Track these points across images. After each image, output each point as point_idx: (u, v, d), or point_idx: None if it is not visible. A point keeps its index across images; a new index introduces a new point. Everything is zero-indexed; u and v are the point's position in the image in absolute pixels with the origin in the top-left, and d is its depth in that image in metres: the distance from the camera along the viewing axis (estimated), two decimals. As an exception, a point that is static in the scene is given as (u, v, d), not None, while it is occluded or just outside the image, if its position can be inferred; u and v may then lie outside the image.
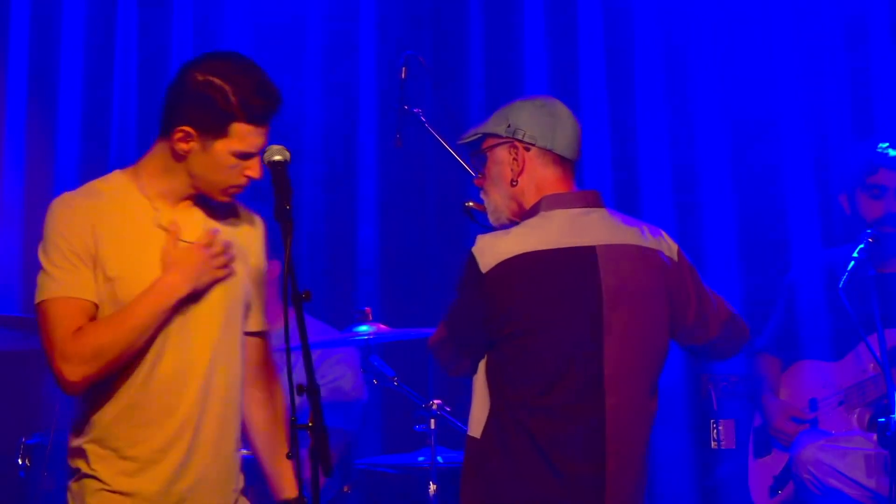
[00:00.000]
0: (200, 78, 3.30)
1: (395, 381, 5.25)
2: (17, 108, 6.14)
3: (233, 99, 3.27)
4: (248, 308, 3.50)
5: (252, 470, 3.57)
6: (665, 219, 6.01)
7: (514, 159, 3.73)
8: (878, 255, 5.14)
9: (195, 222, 3.42)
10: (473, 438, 3.65)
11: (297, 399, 3.02)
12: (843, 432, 5.31)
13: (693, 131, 6.28)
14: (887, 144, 5.39)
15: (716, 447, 5.80)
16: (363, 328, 5.22)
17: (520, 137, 3.72)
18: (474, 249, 3.61)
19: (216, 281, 3.37)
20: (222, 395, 3.40)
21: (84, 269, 3.26)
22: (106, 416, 3.31)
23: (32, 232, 5.93)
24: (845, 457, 5.16)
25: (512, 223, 3.75)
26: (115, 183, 3.40)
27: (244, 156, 3.31)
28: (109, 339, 3.23)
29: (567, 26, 6.44)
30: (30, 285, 5.81)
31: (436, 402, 5.10)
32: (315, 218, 6.36)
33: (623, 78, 6.30)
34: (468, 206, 3.91)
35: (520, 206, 3.74)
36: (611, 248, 3.66)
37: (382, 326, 5.24)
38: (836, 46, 6.22)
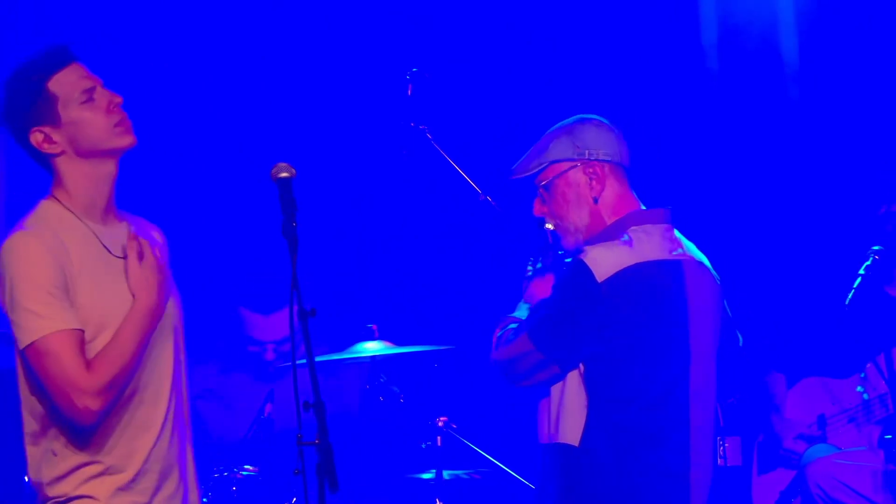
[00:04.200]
0: (11, 81, 3.33)
1: (401, 399, 5.24)
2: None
3: (30, 72, 3.30)
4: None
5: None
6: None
7: (593, 179, 3.81)
8: (888, 274, 5.13)
9: (121, 235, 3.41)
10: (569, 447, 3.68)
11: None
12: (853, 448, 5.30)
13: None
14: None
15: (722, 465, 5.79)
16: (369, 345, 5.21)
17: (595, 157, 3.81)
18: (586, 259, 3.66)
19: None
20: (184, 405, 3.45)
21: (66, 299, 3.22)
22: (98, 435, 3.29)
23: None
24: (855, 472, 5.15)
25: (586, 242, 3.80)
26: (51, 212, 3.35)
27: (86, 94, 3.31)
28: (121, 365, 3.23)
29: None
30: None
31: (442, 419, 5.09)
32: (321, 235, 6.37)
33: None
34: (549, 228, 3.91)
35: (598, 222, 3.82)
36: (690, 265, 3.79)
37: (388, 343, 5.24)
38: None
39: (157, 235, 3.54)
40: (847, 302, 4.96)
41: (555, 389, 3.73)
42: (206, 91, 6.33)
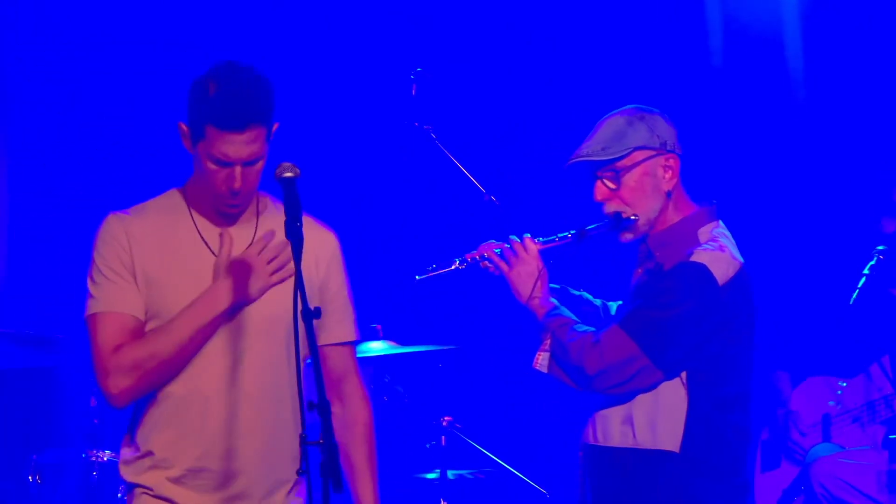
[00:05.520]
0: (201, 79, 3.32)
1: (406, 399, 5.24)
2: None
3: (209, 100, 3.27)
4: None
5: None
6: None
7: (668, 171, 3.71)
8: (892, 275, 5.13)
9: (246, 237, 3.42)
10: (669, 453, 3.58)
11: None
12: (857, 447, 5.30)
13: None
14: None
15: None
16: (373, 345, 5.21)
17: (672, 149, 3.71)
18: (706, 262, 3.56)
19: (271, 287, 3.35)
20: (263, 406, 3.39)
21: (122, 281, 3.32)
22: (148, 429, 3.36)
23: (45, 250, 5.97)
24: (858, 472, 5.15)
25: (646, 236, 3.71)
26: (165, 200, 3.44)
27: (219, 162, 3.29)
28: (147, 352, 3.27)
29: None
30: (42, 302, 5.85)
31: (446, 418, 5.09)
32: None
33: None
34: (632, 218, 3.71)
35: (663, 217, 3.71)
36: None
37: (392, 343, 5.24)
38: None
39: (314, 234, 3.47)
40: (851, 301, 4.96)
41: (646, 394, 3.60)
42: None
